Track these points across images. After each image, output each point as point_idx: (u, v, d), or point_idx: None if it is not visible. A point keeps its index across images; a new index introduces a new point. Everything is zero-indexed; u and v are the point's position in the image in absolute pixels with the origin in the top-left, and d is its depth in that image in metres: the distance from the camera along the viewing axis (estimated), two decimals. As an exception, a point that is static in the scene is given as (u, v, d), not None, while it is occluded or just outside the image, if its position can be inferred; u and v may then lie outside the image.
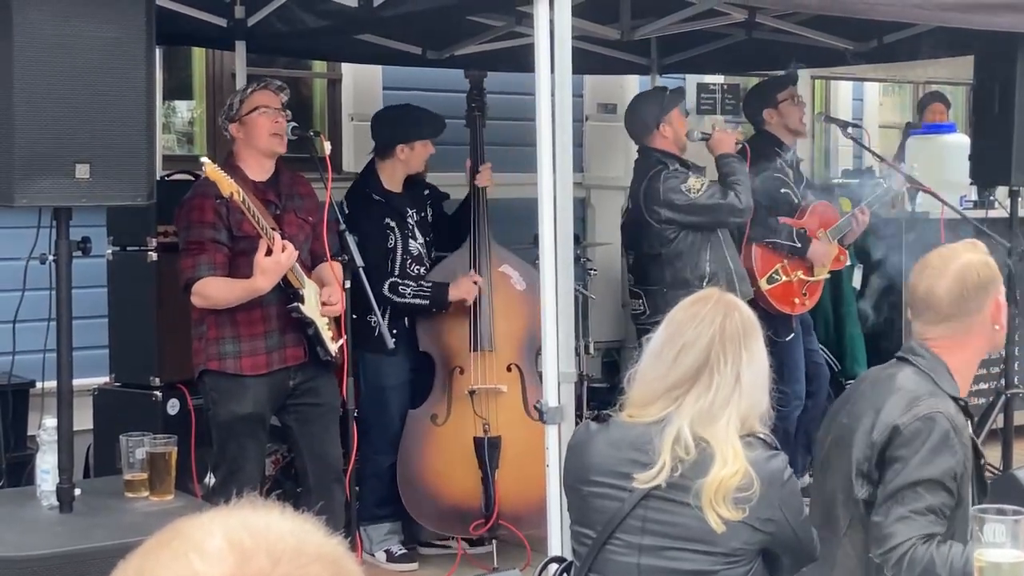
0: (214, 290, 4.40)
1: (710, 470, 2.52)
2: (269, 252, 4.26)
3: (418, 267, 5.47)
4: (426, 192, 5.69)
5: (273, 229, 4.34)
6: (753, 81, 9.74)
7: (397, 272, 5.37)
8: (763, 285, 6.11)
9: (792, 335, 6.21)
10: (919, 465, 2.76)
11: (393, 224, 5.43)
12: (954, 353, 2.94)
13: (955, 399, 2.88)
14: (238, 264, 4.44)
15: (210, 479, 4.79)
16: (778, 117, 6.35)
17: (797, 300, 6.21)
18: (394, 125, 5.54)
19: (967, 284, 2.92)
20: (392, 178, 5.50)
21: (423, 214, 5.60)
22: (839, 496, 2.91)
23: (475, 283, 5.39)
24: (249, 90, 4.58)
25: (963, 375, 2.97)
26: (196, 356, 4.54)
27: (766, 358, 2.66)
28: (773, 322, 6.06)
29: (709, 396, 2.57)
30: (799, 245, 6.16)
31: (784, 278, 6.18)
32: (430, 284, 5.37)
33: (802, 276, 6.22)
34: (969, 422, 2.93)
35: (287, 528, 1.09)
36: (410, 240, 5.47)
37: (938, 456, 2.76)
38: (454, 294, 5.34)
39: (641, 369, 2.67)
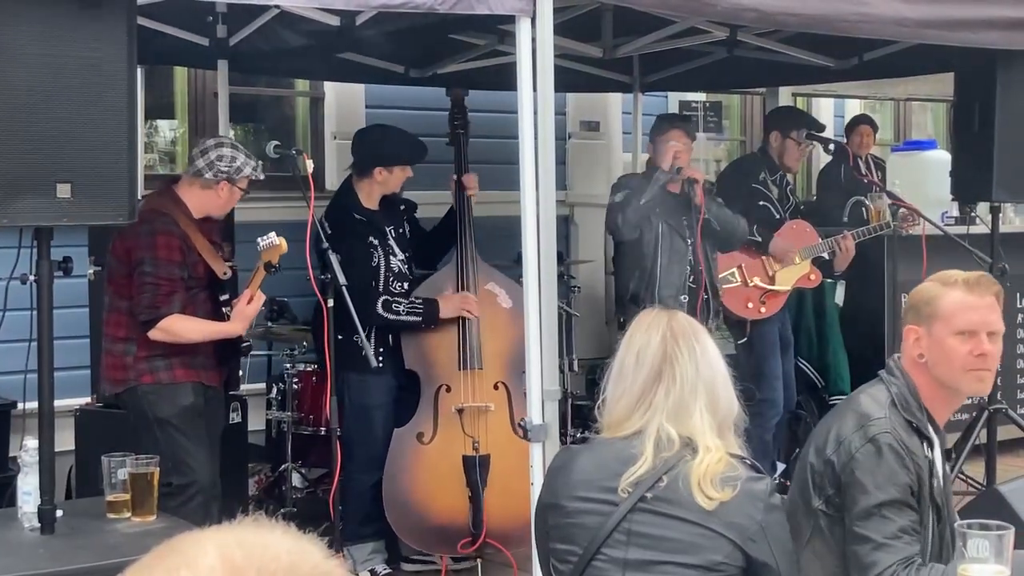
0: (185, 329, 4.45)
1: (695, 458, 2.55)
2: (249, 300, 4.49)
3: (400, 283, 5.46)
4: (402, 207, 5.69)
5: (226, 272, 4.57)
6: (735, 99, 9.80)
7: (382, 290, 5.36)
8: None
9: (745, 340, 6.28)
10: (877, 487, 2.80)
11: (376, 242, 5.41)
12: (920, 375, 2.95)
13: (908, 422, 2.88)
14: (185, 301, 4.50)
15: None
16: (778, 144, 6.48)
17: (751, 304, 6.29)
18: (374, 147, 5.51)
19: (904, 309, 2.98)
20: (369, 196, 5.48)
21: (401, 230, 5.58)
22: (800, 505, 2.94)
23: (467, 304, 5.36)
24: (254, 177, 4.67)
25: (933, 402, 2.94)
26: (122, 371, 4.52)
27: (720, 355, 2.69)
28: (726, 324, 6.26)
29: (676, 388, 2.61)
30: (759, 239, 6.27)
31: (737, 281, 6.24)
32: (421, 300, 5.36)
33: (759, 283, 6.32)
34: (926, 444, 2.90)
35: (284, 547, 1.09)
36: (391, 257, 5.46)
37: (892, 475, 2.80)
38: (445, 311, 5.34)
39: (608, 392, 2.70)
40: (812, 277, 6.50)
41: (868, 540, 2.77)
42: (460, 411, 5.33)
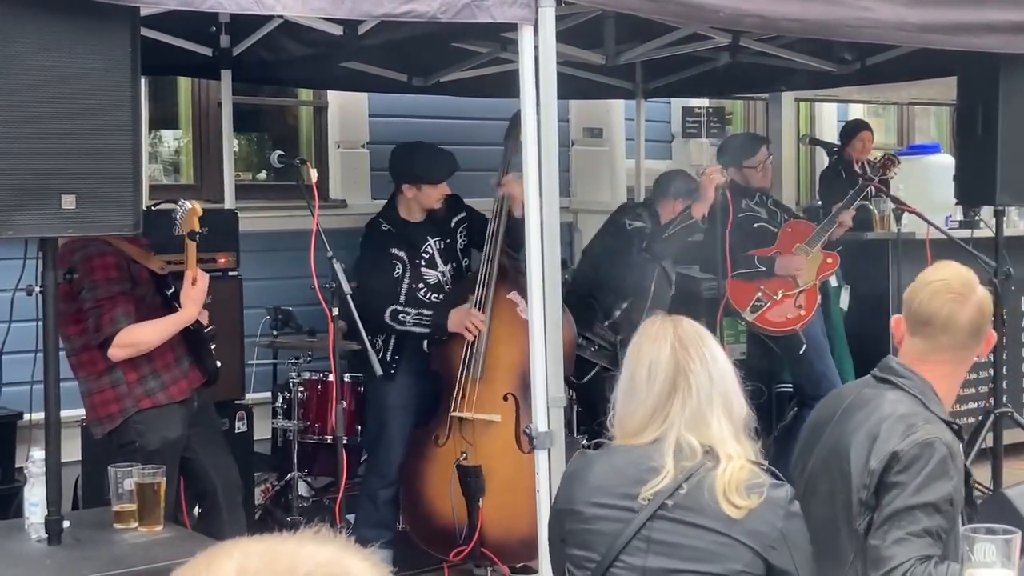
0: (144, 335, 4.29)
1: (718, 467, 2.53)
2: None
3: (436, 295, 5.48)
4: (457, 218, 5.63)
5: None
6: (738, 104, 9.81)
7: (403, 300, 5.40)
8: (748, 316, 6.27)
9: (805, 347, 6.35)
10: (916, 490, 2.75)
11: (400, 254, 5.44)
12: (945, 377, 2.94)
13: (948, 423, 2.88)
14: (138, 309, 4.38)
15: (197, 510, 4.75)
16: (740, 176, 6.53)
17: (790, 315, 6.32)
18: (401, 165, 5.52)
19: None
20: (408, 210, 5.52)
21: (448, 240, 5.58)
22: (842, 527, 2.88)
23: (476, 320, 5.29)
24: None
25: (948, 398, 2.98)
26: (118, 403, 4.37)
27: (727, 359, 2.67)
28: (779, 343, 6.40)
29: (692, 399, 2.58)
30: (763, 268, 6.35)
31: (768, 302, 6.27)
32: (431, 314, 5.38)
33: (785, 292, 6.32)
34: (960, 444, 2.92)
35: (316, 559, 1.12)
36: (424, 269, 5.47)
37: (936, 481, 2.76)
38: (452, 325, 5.34)
39: (620, 406, 2.67)
40: (830, 261, 6.53)
41: (890, 534, 2.74)
42: (461, 419, 5.33)
